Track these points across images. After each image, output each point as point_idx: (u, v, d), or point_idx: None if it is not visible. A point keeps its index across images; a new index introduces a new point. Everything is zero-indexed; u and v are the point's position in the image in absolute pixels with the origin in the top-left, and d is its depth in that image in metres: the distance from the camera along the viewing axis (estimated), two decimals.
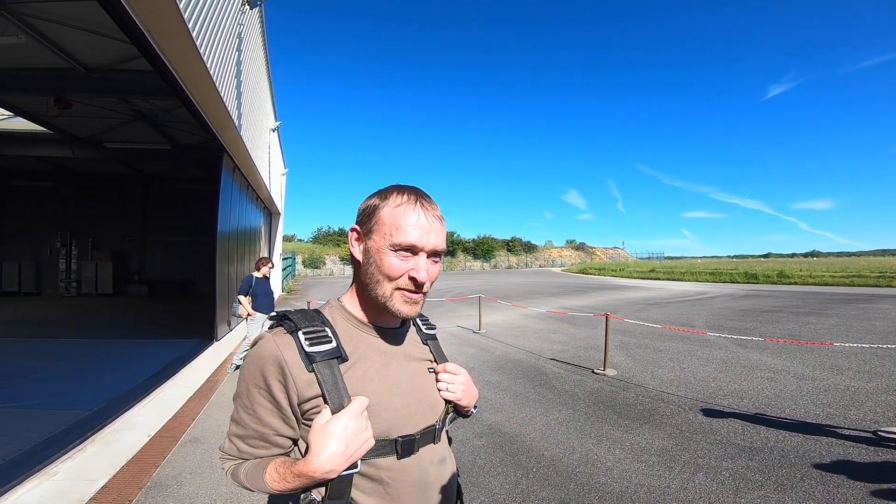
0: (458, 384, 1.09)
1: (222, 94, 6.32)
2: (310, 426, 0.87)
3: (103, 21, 4.34)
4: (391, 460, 0.93)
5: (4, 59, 6.86)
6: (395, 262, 0.92)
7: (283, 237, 22.42)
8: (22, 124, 10.28)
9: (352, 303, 1.02)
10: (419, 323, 1.18)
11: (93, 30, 5.93)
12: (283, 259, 22.57)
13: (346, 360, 0.92)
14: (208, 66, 5.37)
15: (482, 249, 61.03)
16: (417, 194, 0.98)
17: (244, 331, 7.19)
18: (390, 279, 0.93)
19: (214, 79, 5.75)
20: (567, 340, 9.04)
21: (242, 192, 12.03)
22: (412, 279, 0.93)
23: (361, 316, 1.01)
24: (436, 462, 1.02)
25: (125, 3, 3.74)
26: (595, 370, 6.59)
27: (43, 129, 10.47)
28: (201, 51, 4.99)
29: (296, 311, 0.96)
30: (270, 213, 19.39)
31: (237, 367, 6.69)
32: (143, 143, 11.71)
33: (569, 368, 6.83)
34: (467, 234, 75.39)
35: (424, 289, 0.96)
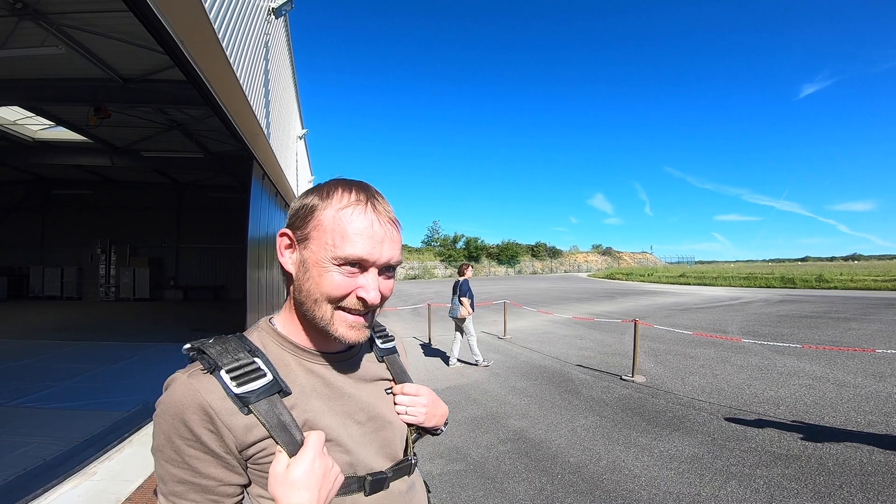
0: (419, 406, 0.95)
1: (251, 103, 6.47)
2: (260, 470, 0.75)
3: (138, 32, 4.51)
4: (358, 497, 0.81)
5: (46, 70, 7.19)
6: (337, 280, 0.76)
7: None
8: (63, 134, 10.74)
9: (287, 325, 0.85)
10: (373, 336, 1.00)
11: (128, 40, 6.16)
12: None
13: (290, 394, 0.77)
14: (238, 74, 5.51)
15: (506, 255, 60.78)
16: (368, 192, 0.80)
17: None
18: (332, 300, 0.77)
19: (244, 87, 5.90)
20: (594, 346, 8.91)
21: (271, 199, 12.27)
22: (360, 300, 0.77)
23: (299, 340, 0.84)
24: (405, 492, 0.90)
25: (159, 15, 3.88)
26: (623, 377, 6.47)
27: (83, 138, 10.91)
28: (231, 60, 5.13)
29: (213, 340, 0.77)
30: None
31: (466, 362, 7.49)
32: (178, 152, 12.09)
33: (596, 375, 6.72)
34: (491, 239, 75.08)
35: (375, 309, 0.81)
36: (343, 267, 0.76)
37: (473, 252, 58.28)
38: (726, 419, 4.74)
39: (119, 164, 12.25)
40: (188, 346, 0.78)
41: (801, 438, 4.16)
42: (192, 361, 0.77)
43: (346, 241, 0.75)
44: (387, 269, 0.81)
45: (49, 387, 5.69)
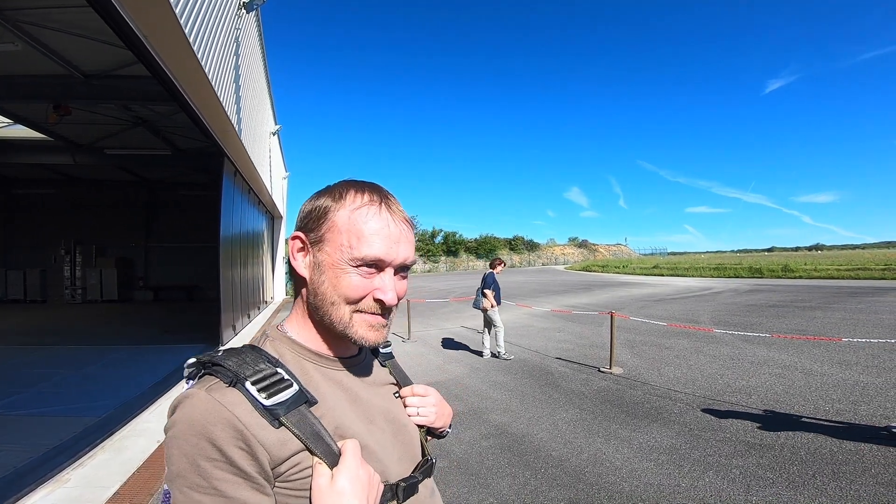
0: (430, 406, 0.96)
1: (221, 99, 6.31)
2: (290, 488, 0.69)
3: (100, 27, 4.32)
4: None
5: (2, 66, 6.85)
6: (355, 281, 0.75)
7: (286, 240, 22.43)
8: (22, 132, 10.26)
9: (300, 331, 0.82)
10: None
11: (90, 36, 5.89)
12: (286, 262, 22.55)
13: (316, 403, 0.73)
14: (206, 70, 5.36)
15: (485, 249, 60.96)
16: (381, 193, 0.80)
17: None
18: (350, 301, 0.76)
19: (213, 83, 5.74)
20: (572, 339, 9.01)
21: (244, 196, 12.04)
22: (378, 301, 0.77)
23: (314, 346, 0.81)
24: (428, 496, 0.88)
25: (120, 9, 3.73)
26: (601, 369, 6.57)
27: (43, 136, 10.46)
28: (199, 55, 4.98)
29: (225, 352, 0.73)
30: (273, 217, 19.42)
31: (494, 354, 7.67)
32: (145, 149, 11.70)
33: (575, 367, 6.80)
34: (469, 233, 75.35)
35: (392, 310, 0.80)
36: (360, 268, 0.75)
37: (452, 246, 58.28)
38: (702, 409, 4.84)
39: (82, 162, 11.79)
40: (192, 360, 0.73)
41: (774, 428, 4.28)
42: (201, 377, 0.71)
43: (362, 241, 0.74)
44: (401, 269, 0.80)
45: (16, 393, 5.52)
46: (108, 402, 5.10)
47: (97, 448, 4.04)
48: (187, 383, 0.73)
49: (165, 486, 0.68)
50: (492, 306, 7.50)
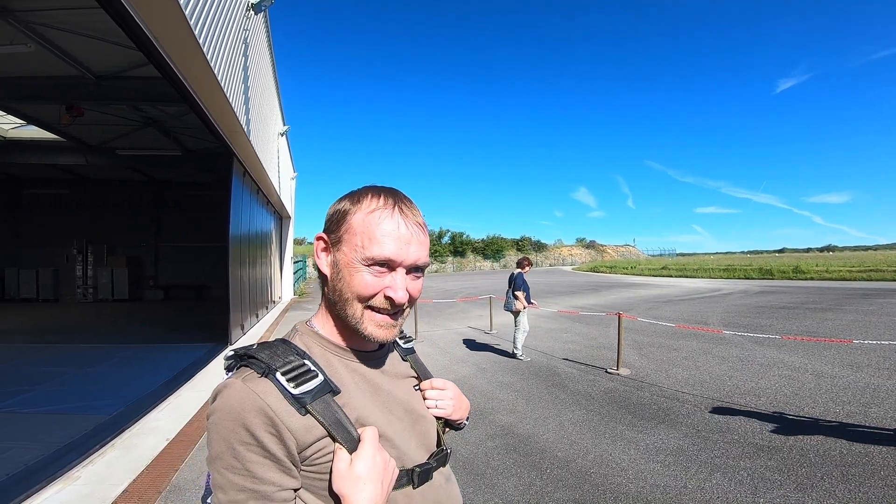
0: (447, 399, 1.02)
1: (230, 99, 6.36)
2: (315, 471, 0.77)
3: (111, 29, 4.37)
4: (408, 490, 0.85)
5: (14, 68, 6.93)
6: (367, 280, 0.81)
7: (294, 241, 22.57)
8: (35, 132, 10.41)
9: (325, 326, 0.90)
10: (396, 338, 1.05)
11: (101, 37, 5.96)
12: (294, 263, 22.72)
13: (339, 393, 0.80)
14: (215, 71, 5.40)
15: (492, 249, 60.92)
16: (396, 197, 0.86)
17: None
18: (361, 299, 0.82)
19: (222, 84, 5.79)
20: (579, 340, 8.99)
21: (253, 196, 12.12)
22: (388, 299, 0.82)
23: (338, 340, 0.89)
24: (444, 483, 0.94)
25: (132, 11, 3.78)
26: (608, 370, 6.54)
27: (55, 136, 10.59)
28: (208, 56, 5.03)
29: (259, 346, 0.81)
30: (281, 217, 19.53)
31: (513, 354, 7.65)
32: (155, 149, 11.82)
33: (582, 368, 6.78)
34: (476, 234, 75.33)
35: (403, 310, 0.86)
36: (372, 267, 0.81)
37: (459, 247, 58.26)
38: (710, 411, 4.81)
39: (93, 162, 11.93)
40: (230, 352, 0.80)
41: (783, 430, 4.25)
42: (238, 368, 0.78)
43: (374, 242, 0.80)
44: (415, 270, 0.85)
45: (26, 391, 5.57)
46: (118, 401, 5.15)
47: (107, 446, 4.09)
48: (227, 374, 0.80)
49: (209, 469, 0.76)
50: (524, 308, 7.46)
